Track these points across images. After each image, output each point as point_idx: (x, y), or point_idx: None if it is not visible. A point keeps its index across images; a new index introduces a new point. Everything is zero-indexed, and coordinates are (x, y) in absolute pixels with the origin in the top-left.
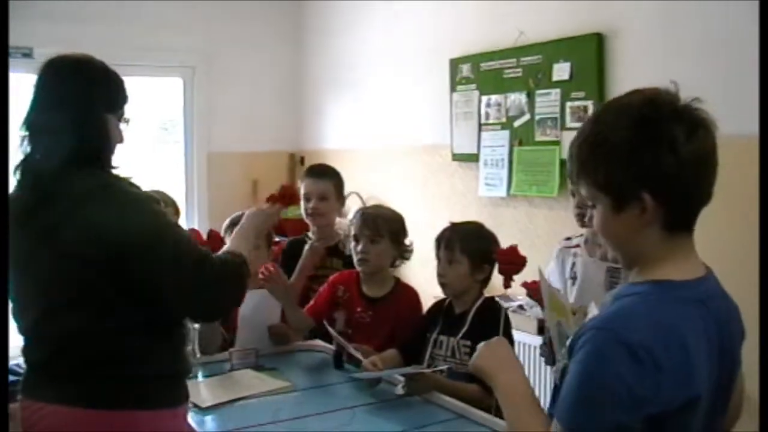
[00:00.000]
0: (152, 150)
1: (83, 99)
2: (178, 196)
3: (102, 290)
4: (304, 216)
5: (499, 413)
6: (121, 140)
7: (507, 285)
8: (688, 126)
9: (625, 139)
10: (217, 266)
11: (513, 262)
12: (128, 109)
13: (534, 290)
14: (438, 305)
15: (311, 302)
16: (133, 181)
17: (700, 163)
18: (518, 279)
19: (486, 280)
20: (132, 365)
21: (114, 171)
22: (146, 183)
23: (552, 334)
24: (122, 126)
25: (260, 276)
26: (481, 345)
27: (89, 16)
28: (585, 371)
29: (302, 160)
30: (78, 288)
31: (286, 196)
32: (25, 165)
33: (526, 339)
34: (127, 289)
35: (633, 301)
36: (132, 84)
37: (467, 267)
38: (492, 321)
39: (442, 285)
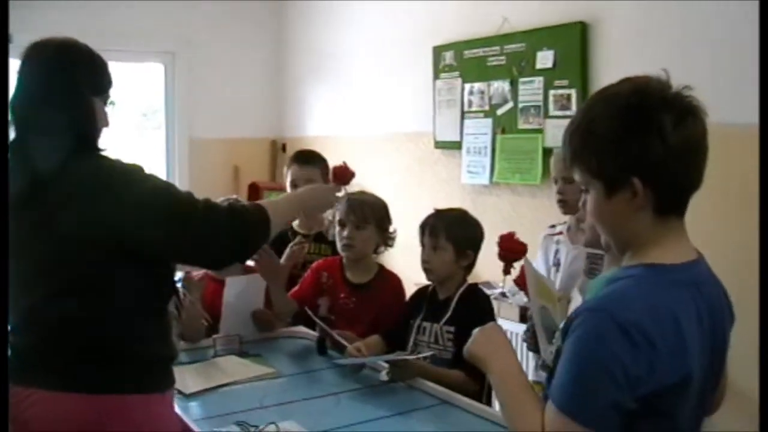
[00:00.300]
0: (134, 136)
1: (70, 83)
2: None
3: (102, 273)
4: None
5: (487, 399)
6: (106, 124)
7: (507, 271)
8: (677, 114)
9: (613, 129)
10: (227, 211)
11: (513, 249)
12: (112, 93)
13: (520, 278)
14: (421, 292)
15: (295, 287)
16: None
17: (688, 150)
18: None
19: (470, 267)
20: (122, 350)
21: (103, 153)
22: None
23: (535, 321)
24: (107, 109)
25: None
26: (476, 331)
27: (69, 1)
28: (580, 352)
29: (284, 147)
30: (78, 273)
31: (340, 176)
32: (14, 151)
33: (508, 326)
34: (132, 263)
35: (626, 283)
36: (113, 70)
37: (452, 253)
38: (475, 307)
39: (426, 271)
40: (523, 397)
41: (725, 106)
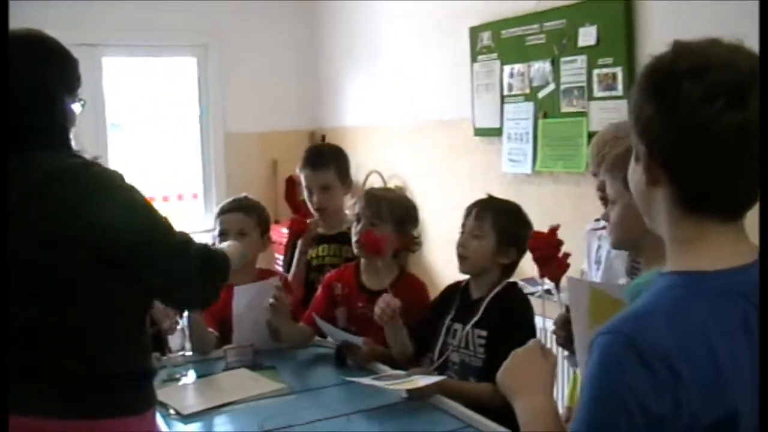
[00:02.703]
0: (168, 132)
1: (39, 82)
2: (196, 179)
3: (68, 277)
4: (310, 208)
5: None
6: (73, 123)
7: (542, 274)
8: (707, 91)
9: (642, 97)
10: (200, 249)
11: (542, 247)
12: (80, 91)
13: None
14: (453, 288)
15: (308, 311)
16: (99, 162)
17: (709, 137)
18: None
19: (510, 268)
20: (93, 365)
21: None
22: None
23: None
24: (76, 107)
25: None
26: (510, 357)
27: None
28: (594, 384)
29: (323, 138)
30: (42, 276)
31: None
32: None
33: (552, 327)
34: (98, 272)
35: (651, 297)
36: (144, 64)
37: (492, 244)
38: (511, 309)
39: (461, 258)
40: None
41: None
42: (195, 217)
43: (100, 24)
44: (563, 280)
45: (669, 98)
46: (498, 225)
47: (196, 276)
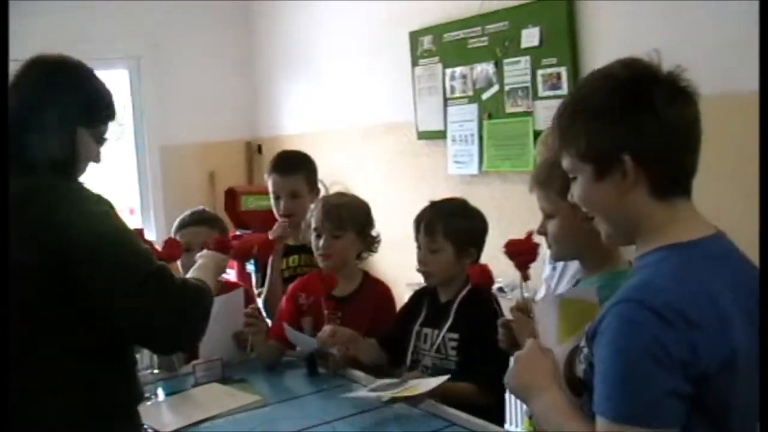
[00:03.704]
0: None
1: (56, 108)
2: (131, 193)
3: (36, 304)
4: (276, 214)
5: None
6: (94, 159)
7: (525, 277)
8: (670, 92)
9: (605, 103)
10: (180, 286)
11: (523, 253)
12: (110, 128)
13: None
14: (421, 292)
15: (274, 324)
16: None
17: (682, 129)
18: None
19: (474, 264)
20: (69, 395)
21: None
22: (99, 183)
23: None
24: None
25: (245, 320)
26: (512, 361)
27: (22, 6)
28: (618, 348)
29: (259, 148)
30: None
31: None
32: None
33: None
34: (69, 302)
35: (650, 270)
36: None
37: (452, 253)
38: (480, 311)
39: (425, 275)
40: (572, 425)
41: (724, 77)
42: None
43: (28, 36)
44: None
45: (648, 103)
46: (451, 232)
47: (174, 318)
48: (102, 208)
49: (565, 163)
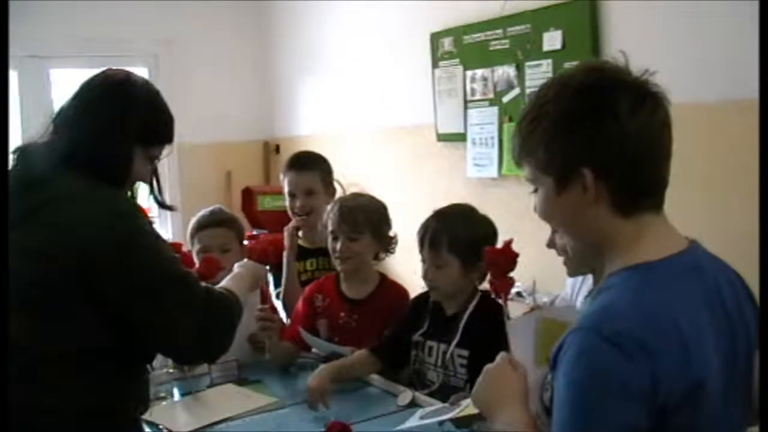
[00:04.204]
0: None
1: (114, 121)
2: (146, 192)
3: (54, 299)
4: (290, 214)
5: None
6: (143, 178)
7: (494, 288)
8: (635, 97)
9: (565, 111)
10: (205, 295)
11: (500, 263)
12: (163, 151)
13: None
14: (422, 301)
15: (290, 325)
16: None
17: (646, 138)
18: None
19: (483, 275)
20: (68, 395)
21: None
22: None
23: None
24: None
25: (257, 322)
26: (482, 375)
27: (41, 5)
28: (571, 380)
29: (277, 148)
30: (23, 296)
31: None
32: (22, 155)
33: None
34: (87, 302)
35: (611, 292)
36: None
37: (458, 268)
38: (488, 325)
39: (432, 289)
40: None
41: (752, 81)
42: None
43: (48, 35)
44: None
45: (608, 111)
46: (456, 246)
47: (197, 328)
48: (133, 210)
49: (526, 173)
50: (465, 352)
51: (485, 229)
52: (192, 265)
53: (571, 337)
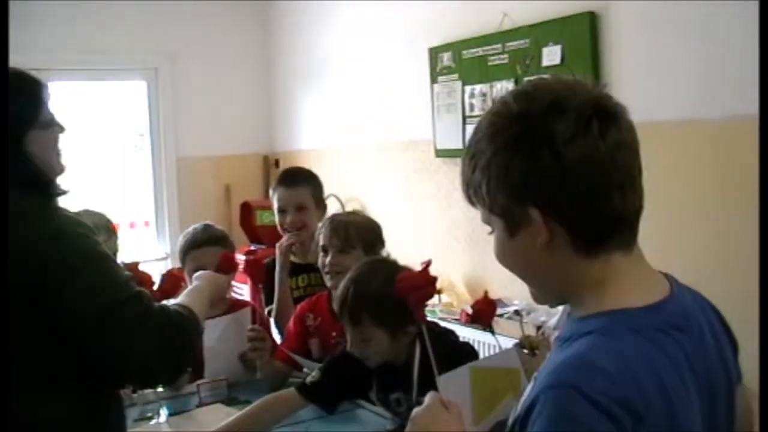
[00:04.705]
0: (118, 158)
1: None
2: (147, 205)
3: (11, 324)
4: (280, 230)
5: None
6: (51, 148)
7: (422, 318)
8: (575, 121)
9: (500, 144)
10: (158, 315)
11: (417, 287)
12: (47, 111)
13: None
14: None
15: (282, 344)
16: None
17: (596, 166)
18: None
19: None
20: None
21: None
22: (113, 193)
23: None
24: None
25: (248, 341)
26: (411, 420)
27: (40, 17)
28: None
29: (277, 163)
30: None
31: (226, 265)
32: None
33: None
34: (43, 327)
35: (588, 342)
36: (92, 89)
37: (386, 338)
38: (447, 363)
39: (365, 359)
40: None
41: (746, 96)
42: (147, 245)
43: (47, 47)
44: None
45: (544, 139)
46: (383, 322)
47: (149, 350)
48: (80, 230)
49: (480, 213)
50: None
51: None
52: (150, 284)
53: (548, 395)
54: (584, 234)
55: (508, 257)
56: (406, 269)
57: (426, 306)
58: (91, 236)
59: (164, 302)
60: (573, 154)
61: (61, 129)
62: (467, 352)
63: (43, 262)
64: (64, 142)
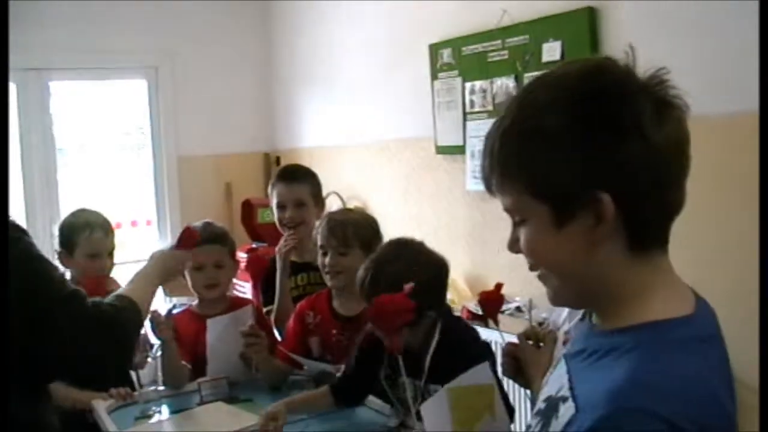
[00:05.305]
0: (119, 157)
1: None
2: (148, 204)
3: None
4: (278, 227)
5: None
6: None
7: (496, 323)
8: (657, 105)
9: (566, 123)
10: (93, 312)
11: (493, 301)
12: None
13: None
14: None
15: (283, 342)
16: None
17: (673, 156)
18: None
19: (437, 318)
20: None
21: None
22: (114, 192)
23: None
24: None
25: (243, 339)
26: None
27: (41, 17)
28: None
29: (278, 161)
30: None
31: (187, 240)
32: None
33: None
34: None
35: (640, 358)
36: (93, 89)
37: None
38: (455, 355)
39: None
40: None
41: (748, 92)
42: (149, 244)
43: (47, 47)
44: None
45: (629, 122)
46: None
47: (85, 346)
48: (13, 234)
49: (508, 202)
50: (440, 387)
51: (429, 273)
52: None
53: (613, 420)
54: (643, 229)
55: (546, 251)
56: (431, 253)
57: (498, 314)
58: (24, 238)
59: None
60: (659, 137)
61: None
62: (482, 350)
63: None
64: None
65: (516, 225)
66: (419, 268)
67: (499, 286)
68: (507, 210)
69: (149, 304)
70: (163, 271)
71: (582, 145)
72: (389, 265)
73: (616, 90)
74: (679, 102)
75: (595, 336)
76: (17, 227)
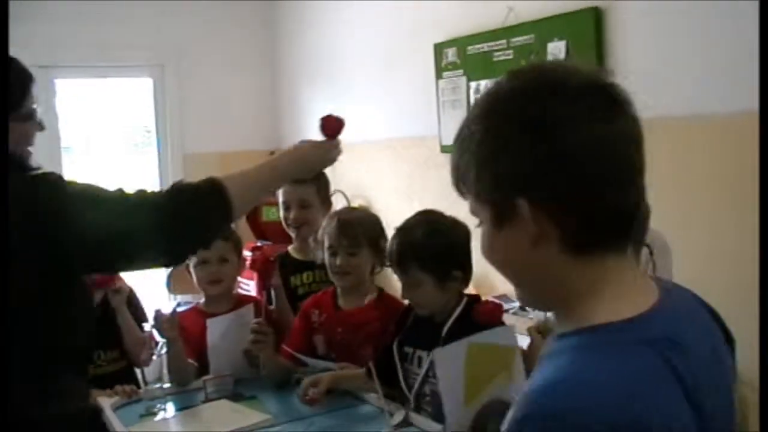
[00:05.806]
0: (125, 155)
1: None
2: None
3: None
4: (284, 225)
5: None
6: (24, 142)
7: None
8: (580, 106)
9: (492, 126)
10: (164, 194)
11: (494, 313)
12: (31, 104)
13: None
14: (411, 308)
15: (287, 342)
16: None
17: (600, 156)
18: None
19: (465, 280)
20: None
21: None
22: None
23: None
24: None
25: (251, 335)
26: None
27: (46, 15)
28: None
29: None
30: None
31: (330, 127)
32: None
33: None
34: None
35: (569, 363)
36: (99, 86)
37: (433, 285)
38: (475, 330)
39: (415, 306)
40: None
41: (749, 91)
42: None
43: (53, 44)
44: None
45: (540, 124)
46: (426, 264)
47: (168, 218)
48: (55, 176)
49: (468, 203)
50: None
51: (455, 236)
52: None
53: (533, 426)
54: (579, 232)
55: (493, 252)
56: (455, 219)
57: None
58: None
59: None
60: (571, 139)
61: (41, 127)
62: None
63: (49, 210)
64: (36, 140)
65: (478, 227)
66: (445, 230)
67: (486, 300)
68: (470, 212)
69: (258, 192)
70: (301, 162)
71: (500, 150)
72: (416, 229)
73: (534, 92)
74: (620, 97)
75: (552, 340)
76: (55, 173)
